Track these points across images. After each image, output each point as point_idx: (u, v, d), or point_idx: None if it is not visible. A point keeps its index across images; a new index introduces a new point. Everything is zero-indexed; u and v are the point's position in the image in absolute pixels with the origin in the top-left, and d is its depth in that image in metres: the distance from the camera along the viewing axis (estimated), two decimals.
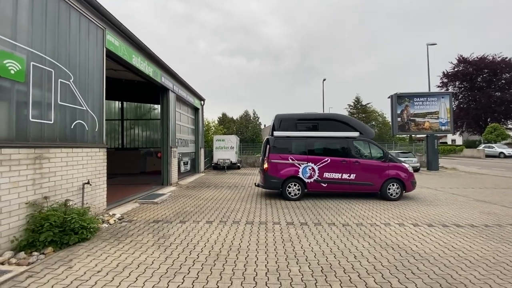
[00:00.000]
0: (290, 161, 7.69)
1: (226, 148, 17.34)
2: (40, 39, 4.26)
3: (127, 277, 3.05)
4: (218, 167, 17.21)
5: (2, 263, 3.34)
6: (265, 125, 64.63)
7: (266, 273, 3.17)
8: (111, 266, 3.34)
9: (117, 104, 16.84)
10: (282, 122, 8.16)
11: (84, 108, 5.31)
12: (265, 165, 7.81)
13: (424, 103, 17.07)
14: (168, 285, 2.87)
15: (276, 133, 8.01)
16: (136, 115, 17.08)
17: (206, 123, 29.23)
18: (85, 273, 3.15)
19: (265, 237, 4.44)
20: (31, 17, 4.10)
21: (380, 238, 4.45)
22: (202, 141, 15.93)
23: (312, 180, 7.62)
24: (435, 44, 19.34)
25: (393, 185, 7.54)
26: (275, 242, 4.23)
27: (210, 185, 10.67)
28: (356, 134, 7.88)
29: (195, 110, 15.09)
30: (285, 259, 3.56)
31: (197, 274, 3.12)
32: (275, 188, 7.79)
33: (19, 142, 3.83)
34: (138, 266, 3.33)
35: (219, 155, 17.13)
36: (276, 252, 3.80)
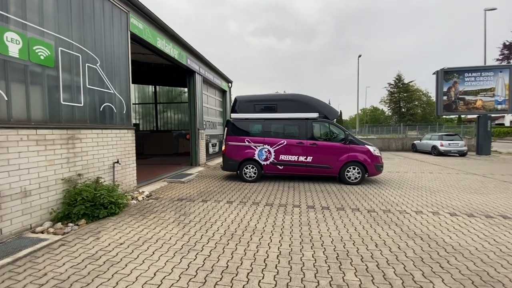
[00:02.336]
0: (247, 143, 7.66)
1: None
2: (66, 25, 4.45)
3: (145, 250, 3.23)
4: None
5: (42, 232, 3.75)
6: None
7: (277, 255, 3.11)
8: (133, 239, 3.56)
9: (150, 88, 17.62)
10: (241, 104, 8.09)
11: (112, 91, 5.56)
12: (223, 147, 7.96)
13: (477, 78, 14.96)
14: (181, 261, 2.97)
15: (233, 115, 7.99)
16: (168, 99, 17.74)
17: None
18: (109, 244, 3.40)
19: (283, 220, 4.36)
20: (57, 3, 4.27)
21: (408, 226, 4.09)
22: None
23: (268, 162, 7.56)
24: (495, 9, 16.51)
25: (353, 168, 7.20)
26: (292, 225, 4.13)
27: None
28: (314, 115, 7.50)
29: (223, 92, 15.12)
30: (299, 243, 3.46)
31: (210, 252, 3.18)
32: (233, 170, 7.88)
33: (52, 123, 4.15)
34: (157, 241, 3.50)
35: None
36: (292, 235, 3.71)
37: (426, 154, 16.23)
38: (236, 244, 3.41)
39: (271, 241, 3.51)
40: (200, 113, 10.86)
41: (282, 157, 7.50)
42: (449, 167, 10.81)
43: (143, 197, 5.69)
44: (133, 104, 17.70)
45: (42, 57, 4.00)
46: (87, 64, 4.89)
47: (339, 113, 7.89)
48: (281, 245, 3.39)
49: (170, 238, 3.60)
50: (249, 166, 7.64)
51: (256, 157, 7.62)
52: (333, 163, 7.31)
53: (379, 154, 7.42)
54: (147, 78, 15.45)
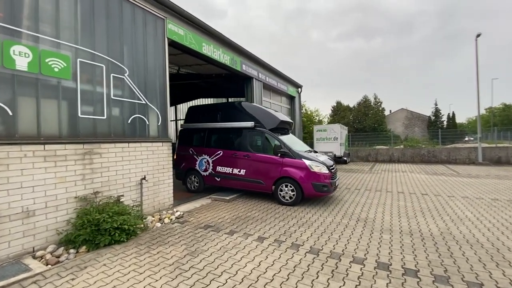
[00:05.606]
0: (190, 152, 7.56)
1: (329, 139, 15.08)
2: (87, 35, 4.27)
3: None
4: None
5: (41, 257, 3.40)
6: (390, 111, 54.62)
7: None
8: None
9: (223, 101, 18.14)
10: (191, 113, 8.19)
11: (143, 102, 5.20)
12: (175, 156, 7.74)
13: None
14: None
15: (183, 125, 8.06)
16: None
17: (315, 114, 27.46)
18: None
19: None
20: (75, 13, 4.12)
21: None
22: (299, 132, 14.48)
23: (207, 173, 7.24)
24: None
25: (286, 186, 6.10)
26: None
27: None
28: (250, 124, 6.71)
29: (291, 98, 13.80)
30: None
31: None
32: (180, 179, 7.80)
33: (65, 138, 3.91)
34: None
35: (320, 148, 15.12)
36: None
37: None
38: None
39: None
40: None
41: (219, 168, 7.05)
42: None
43: (171, 219, 4.99)
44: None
45: (56, 70, 3.82)
46: (112, 75, 4.62)
47: (279, 121, 6.83)
48: None
49: None
50: (192, 177, 7.49)
51: (197, 167, 7.41)
52: (265, 178, 6.41)
53: (324, 172, 5.98)
54: (218, 91, 15.78)
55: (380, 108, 48.28)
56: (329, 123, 38.11)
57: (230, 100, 17.47)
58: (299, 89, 14.25)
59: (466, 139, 23.28)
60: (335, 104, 52.48)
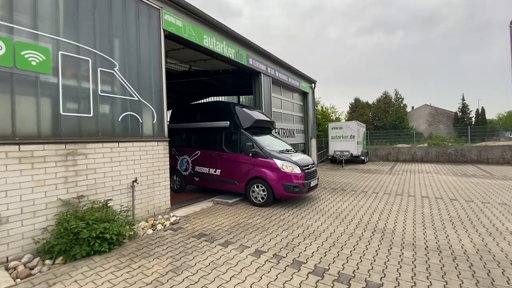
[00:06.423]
0: (173, 153, 7.38)
1: (345, 138, 14.18)
2: (71, 26, 3.93)
3: None
4: (336, 161, 14.45)
5: (15, 268, 3.10)
6: (412, 107, 51.84)
7: None
8: None
9: (234, 99, 17.68)
10: (174, 113, 8.20)
11: (136, 99, 4.83)
12: None
13: None
14: None
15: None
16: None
17: (331, 111, 26.38)
18: None
19: None
20: (57, 2, 3.78)
21: None
22: (313, 130, 13.73)
23: (187, 173, 7.26)
24: None
25: (258, 186, 5.98)
26: None
27: None
28: (225, 123, 6.67)
29: (303, 95, 13.08)
30: None
31: None
32: None
33: (45, 138, 3.59)
34: None
35: (335, 146, 14.29)
36: None
37: None
38: None
39: None
40: None
41: (197, 168, 7.06)
42: None
43: (164, 226, 4.60)
44: None
45: (33, 63, 3.51)
46: (99, 69, 4.27)
47: (254, 120, 6.60)
48: None
49: None
50: (175, 176, 7.38)
51: (178, 167, 7.42)
52: (238, 178, 6.33)
53: (295, 172, 5.81)
54: (228, 89, 15.33)
55: (402, 105, 45.86)
56: (347, 120, 36.67)
57: (241, 98, 17.02)
58: (313, 84, 13.49)
59: None
60: (353, 101, 50.57)
